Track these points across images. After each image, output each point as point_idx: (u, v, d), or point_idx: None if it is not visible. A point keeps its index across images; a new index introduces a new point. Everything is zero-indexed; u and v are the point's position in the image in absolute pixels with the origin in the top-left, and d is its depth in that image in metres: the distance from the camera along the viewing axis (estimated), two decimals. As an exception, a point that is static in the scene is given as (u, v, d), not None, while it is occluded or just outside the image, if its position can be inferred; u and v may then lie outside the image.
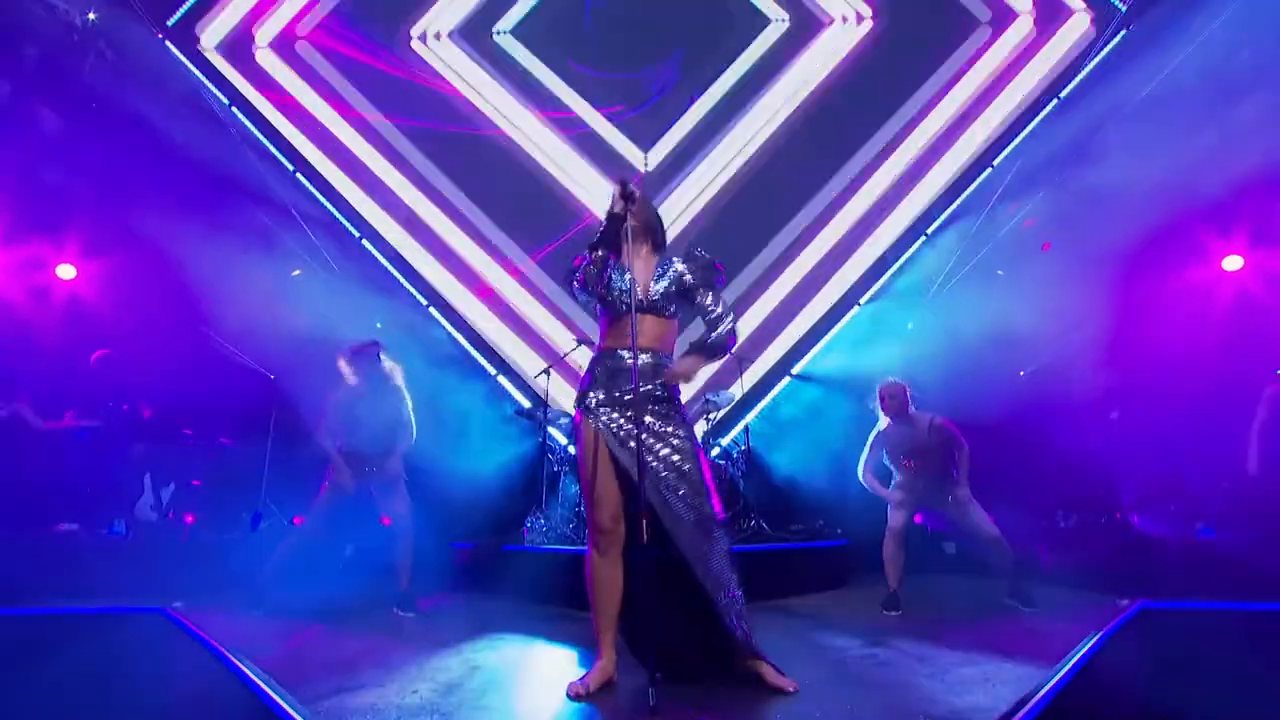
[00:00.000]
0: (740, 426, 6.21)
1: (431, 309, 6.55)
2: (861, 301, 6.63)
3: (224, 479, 5.30)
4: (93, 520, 4.47)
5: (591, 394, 2.43)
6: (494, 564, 4.61)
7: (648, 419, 2.36)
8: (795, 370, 6.55)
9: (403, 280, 6.58)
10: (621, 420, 2.35)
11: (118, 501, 4.72)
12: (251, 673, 2.22)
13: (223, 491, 5.23)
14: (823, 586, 4.60)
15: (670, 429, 2.40)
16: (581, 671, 2.42)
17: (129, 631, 2.24)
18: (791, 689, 2.24)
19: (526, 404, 6.06)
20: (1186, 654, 2.14)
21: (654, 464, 2.33)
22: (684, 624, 2.38)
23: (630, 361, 2.33)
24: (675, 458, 2.37)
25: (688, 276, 2.47)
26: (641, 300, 2.41)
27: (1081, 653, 2.40)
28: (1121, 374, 5.40)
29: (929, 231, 6.63)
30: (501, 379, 6.42)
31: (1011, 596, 3.88)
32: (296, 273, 6.44)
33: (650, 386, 2.39)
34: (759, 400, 6.45)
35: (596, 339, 2.56)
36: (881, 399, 4.14)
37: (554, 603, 4.08)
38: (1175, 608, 2.29)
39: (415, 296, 6.56)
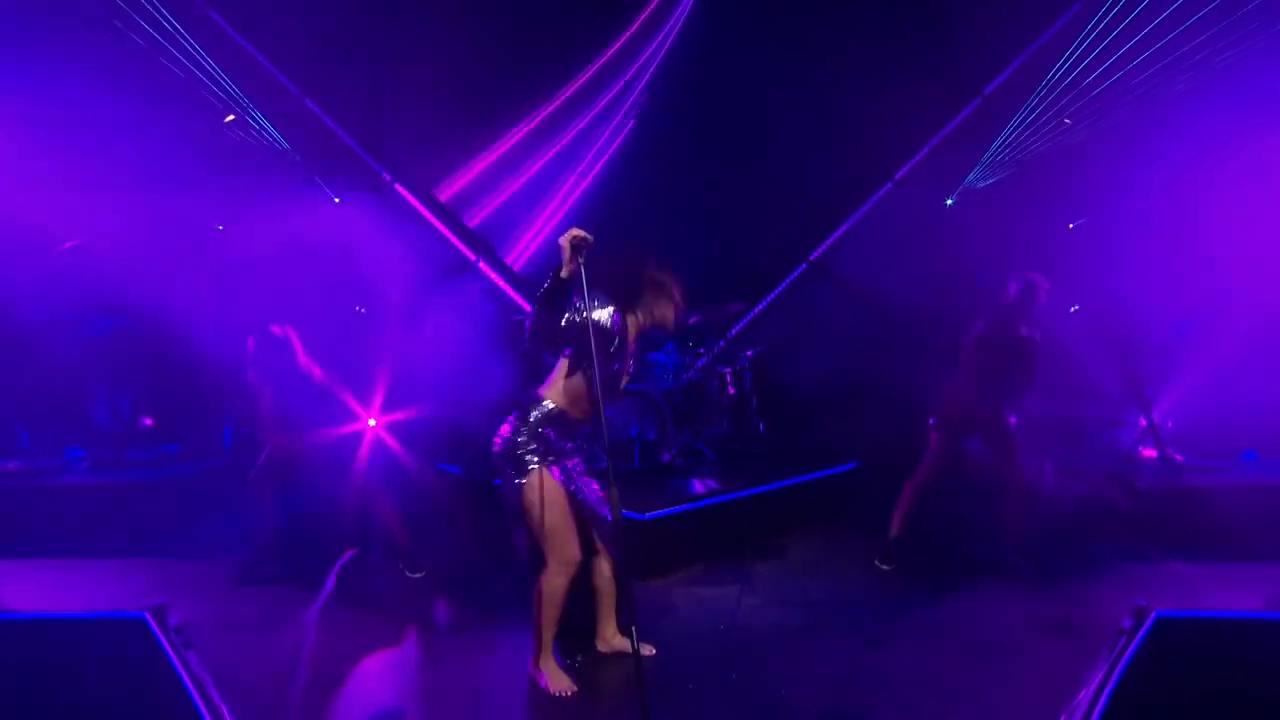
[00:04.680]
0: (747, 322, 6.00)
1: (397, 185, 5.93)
2: (896, 177, 6.06)
3: (189, 388, 5.04)
4: (40, 452, 4.29)
5: (534, 445, 2.67)
6: (484, 497, 4.61)
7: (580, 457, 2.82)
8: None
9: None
10: (576, 462, 2.78)
11: (66, 425, 4.50)
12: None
13: (189, 403, 5.02)
14: (829, 517, 4.72)
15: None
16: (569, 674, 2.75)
17: (101, 644, 2.18)
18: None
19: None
20: (1206, 668, 2.18)
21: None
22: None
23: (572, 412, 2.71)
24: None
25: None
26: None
27: (1101, 694, 2.46)
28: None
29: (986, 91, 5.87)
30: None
31: (1015, 553, 3.89)
32: (230, 119, 5.73)
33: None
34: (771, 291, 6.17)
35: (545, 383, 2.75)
36: (1013, 284, 3.81)
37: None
38: (1191, 616, 2.30)
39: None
